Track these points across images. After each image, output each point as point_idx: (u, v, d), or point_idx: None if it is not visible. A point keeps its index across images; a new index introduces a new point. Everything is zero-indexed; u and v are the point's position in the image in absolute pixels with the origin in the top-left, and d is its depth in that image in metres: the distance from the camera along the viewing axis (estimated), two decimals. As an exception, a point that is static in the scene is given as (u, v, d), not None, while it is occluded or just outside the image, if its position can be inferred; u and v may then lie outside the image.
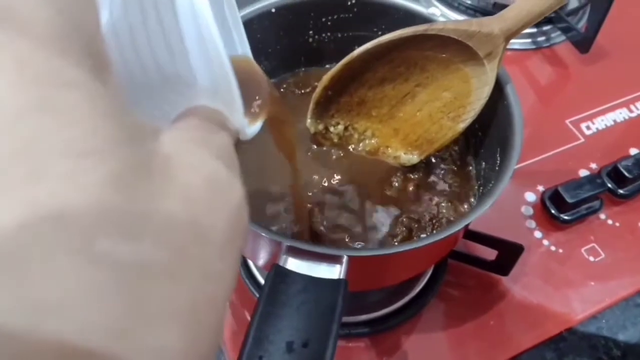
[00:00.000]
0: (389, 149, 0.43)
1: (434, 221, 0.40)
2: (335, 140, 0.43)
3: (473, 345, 0.44)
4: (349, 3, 0.43)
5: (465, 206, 0.42)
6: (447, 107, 0.41)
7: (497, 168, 0.38)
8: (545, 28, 0.66)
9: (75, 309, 0.08)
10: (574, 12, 0.67)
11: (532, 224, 0.51)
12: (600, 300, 0.47)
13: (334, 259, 0.30)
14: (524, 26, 0.38)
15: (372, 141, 0.43)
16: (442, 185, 0.42)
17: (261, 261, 0.36)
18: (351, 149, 0.43)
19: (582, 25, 0.67)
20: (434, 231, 0.39)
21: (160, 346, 0.09)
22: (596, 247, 0.50)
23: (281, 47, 0.45)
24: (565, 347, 0.45)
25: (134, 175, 0.10)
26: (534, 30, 0.66)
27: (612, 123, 0.59)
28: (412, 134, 0.42)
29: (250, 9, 0.42)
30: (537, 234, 0.50)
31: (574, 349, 0.45)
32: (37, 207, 0.08)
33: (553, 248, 0.49)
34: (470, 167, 0.44)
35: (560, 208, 0.50)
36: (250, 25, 0.42)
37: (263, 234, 0.30)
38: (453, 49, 0.38)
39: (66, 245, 0.08)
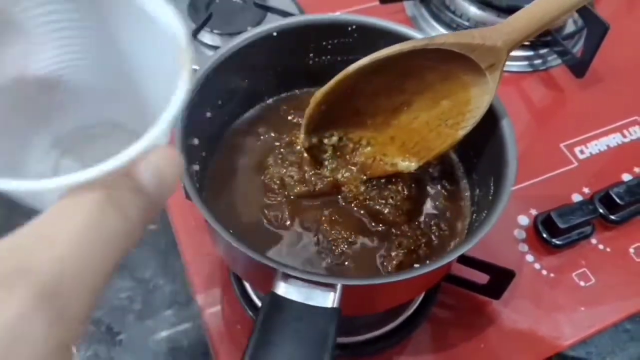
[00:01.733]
0: (385, 156, 0.43)
1: (428, 244, 0.41)
2: (330, 151, 0.44)
3: (464, 368, 0.45)
4: (350, 28, 0.44)
5: (459, 228, 0.42)
6: (445, 114, 0.40)
7: (490, 197, 0.38)
8: (542, 51, 0.67)
9: None
10: (570, 36, 0.68)
11: (524, 247, 0.51)
12: (590, 325, 0.47)
13: (328, 287, 0.30)
14: (527, 37, 0.38)
15: (367, 150, 0.43)
16: (436, 208, 0.43)
17: (257, 285, 0.36)
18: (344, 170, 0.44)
19: (577, 49, 0.68)
20: (428, 254, 0.40)
21: None
22: (587, 272, 0.50)
23: (282, 69, 0.46)
24: (555, 371, 0.46)
25: None
26: (530, 53, 0.67)
27: (606, 148, 0.60)
28: (409, 141, 0.42)
29: (254, 32, 0.43)
30: (529, 258, 0.51)
31: (562, 374, 0.46)
32: None
33: (544, 272, 0.50)
34: (465, 192, 0.44)
35: (552, 233, 0.50)
36: (253, 47, 0.43)
37: (260, 261, 0.31)
38: (453, 61, 0.37)
39: None
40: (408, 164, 0.42)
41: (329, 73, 0.39)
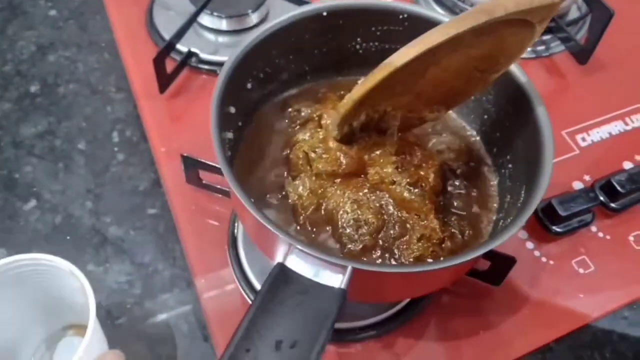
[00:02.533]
0: (412, 112, 0.42)
1: (451, 240, 0.40)
2: (358, 131, 0.42)
3: (464, 354, 0.45)
4: (401, 17, 0.43)
5: (483, 230, 0.41)
6: (477, 62, 0.38)
7: (519, 205, 0.38)
8: (545, 37, 0.66)
9: None
10: (574, 22, 0.67)
11: (524, 234, 0.51)
12: (589, 312, 0.48)
13: (339, 267, 0.30)
14: None
15: (393, 113, 0.42)
16: (462, 209, 0.42)
17: (267, 253, 0.36)
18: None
19: (581, 36, 0.67)
20: (450, 252, 0.39)
21: None
22: (586, 259, 0.50)
23: (327, 51, 0.46)
24: (552, 358, 0.46)
25: None
26: (533, 39, 0.66)
27: (608, 135, 0.59)
28: (436, 93, 0.40)
29: (302, 10, 0.42)
30: (529, 245, 0.51)
31: (561, 360, 0.46)
32: None
33: (544, 259, 0.50)
34: (494, 198, 0.43)
35: (553, 220, 0.50)
36: (301, 24, 0.42)
37: (276, 232, 0.31)
38: (503, 22, 0.34)
39: None
40: (437, 114, 0.42)
41: (375, 60, 0.36)
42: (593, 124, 0.60)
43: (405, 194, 0.40)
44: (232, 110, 0.40)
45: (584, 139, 0.59)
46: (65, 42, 0.66)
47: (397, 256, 0.38)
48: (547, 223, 0.50)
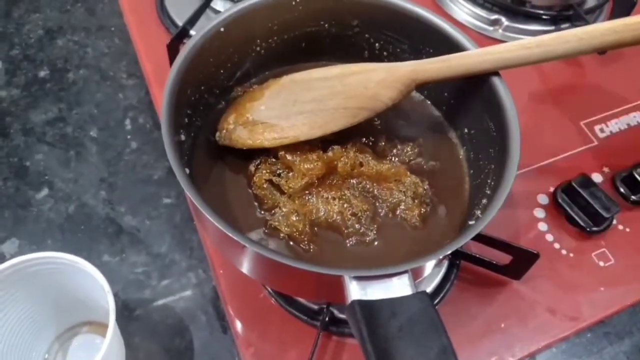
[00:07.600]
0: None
1: (432, 185, 0.42)
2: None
3: (480, 347, 0.45)
4: (294, 3, 0.42)
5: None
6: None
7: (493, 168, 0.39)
8: (564, 26, 0.65)
9: None
10: (592, 10, 0.66)
11: (544, 226, 0.51)
12: (609, 305, 0.47)
13: (400, 274, 0.30)
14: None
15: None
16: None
17: (324, 299, 0.36)
18: None
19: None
20: (439, 198, 0.41)
21: None
22: (606, 252, 0.50)
23: (231, 65, 0.44)
24: (570, 350, 0.46)
25: None
26: (551, 27, 0.65)
27: (626, 127, 0.59)
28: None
29: (202, 35, 0.40)
30: (549, 237, 0.50)
31: (581, 353, 0.46)
32: None
33: (564, 252, 0.50)
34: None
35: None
36: (205, 52, 0.40)
37: (323, 272, 0.30)
38: None
39: None
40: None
41: (279, 54, 0.40)
42: (611, 115, 0.59)
43: (377, 168, 0.41)
44: (187, 171, 0.37)
45: (602, 130, 0.58)
46: (74, 26, 0.65)
47: (405, 221, 0.40)
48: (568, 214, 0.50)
